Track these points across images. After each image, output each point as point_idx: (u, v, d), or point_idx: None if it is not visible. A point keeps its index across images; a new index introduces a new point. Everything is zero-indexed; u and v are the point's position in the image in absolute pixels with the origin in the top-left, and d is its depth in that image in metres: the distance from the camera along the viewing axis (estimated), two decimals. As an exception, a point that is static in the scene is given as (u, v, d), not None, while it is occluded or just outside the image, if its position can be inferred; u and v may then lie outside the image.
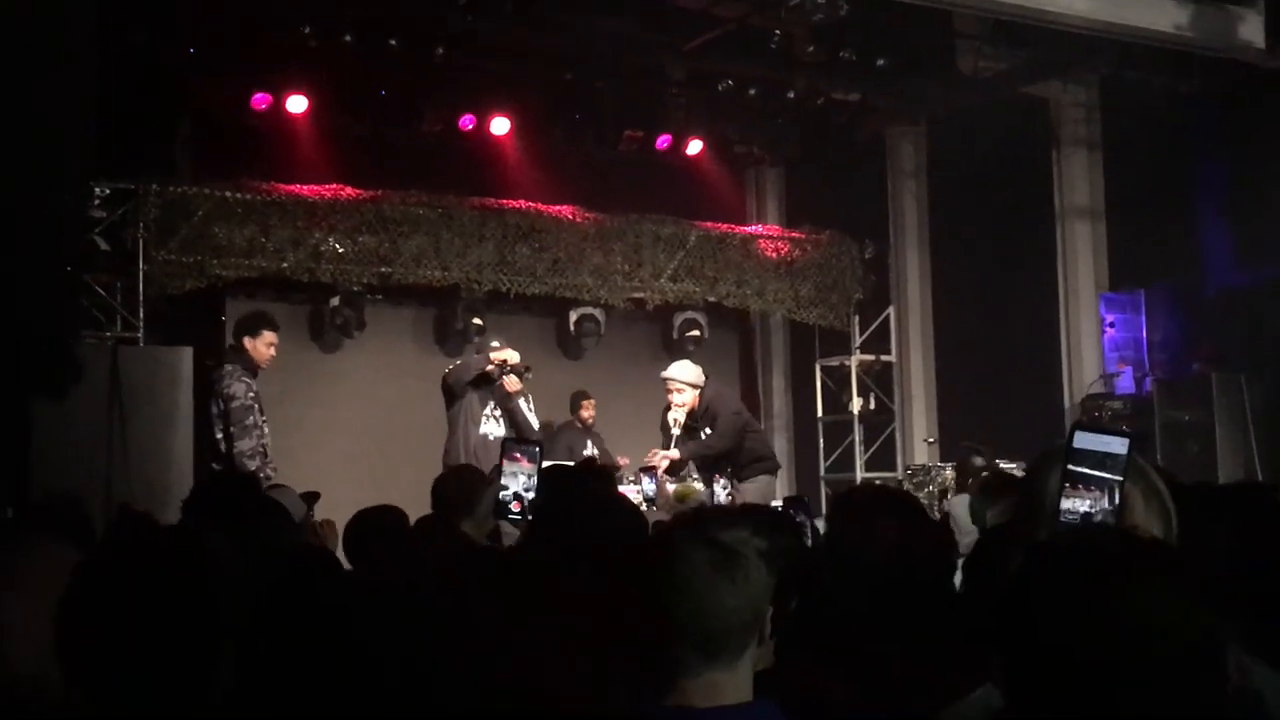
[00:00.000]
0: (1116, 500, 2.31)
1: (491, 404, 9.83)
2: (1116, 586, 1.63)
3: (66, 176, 6.03)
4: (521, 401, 10.05)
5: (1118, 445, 2.36)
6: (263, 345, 9.33)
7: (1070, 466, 2.33)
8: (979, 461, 9.19)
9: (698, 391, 9.73)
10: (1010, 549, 2.26)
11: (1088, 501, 2.32)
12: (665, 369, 10.10)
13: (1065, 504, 2.32)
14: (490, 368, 9.83)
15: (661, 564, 2.27)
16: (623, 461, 11.32)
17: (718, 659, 2.25)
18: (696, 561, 2.25)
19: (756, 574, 2.28)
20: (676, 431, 9.66)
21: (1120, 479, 2.32)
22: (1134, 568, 1.66)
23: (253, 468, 8.79)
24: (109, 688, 2.05)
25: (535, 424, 10.16)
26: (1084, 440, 2.36)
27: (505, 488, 4.02)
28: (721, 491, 7.98)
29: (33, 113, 5.55)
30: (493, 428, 9.72)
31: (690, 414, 9.69)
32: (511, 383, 9.94)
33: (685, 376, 9.79)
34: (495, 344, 10.03)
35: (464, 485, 5.33)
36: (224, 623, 2.13)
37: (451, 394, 9.75)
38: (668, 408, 9.92)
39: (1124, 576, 1.65)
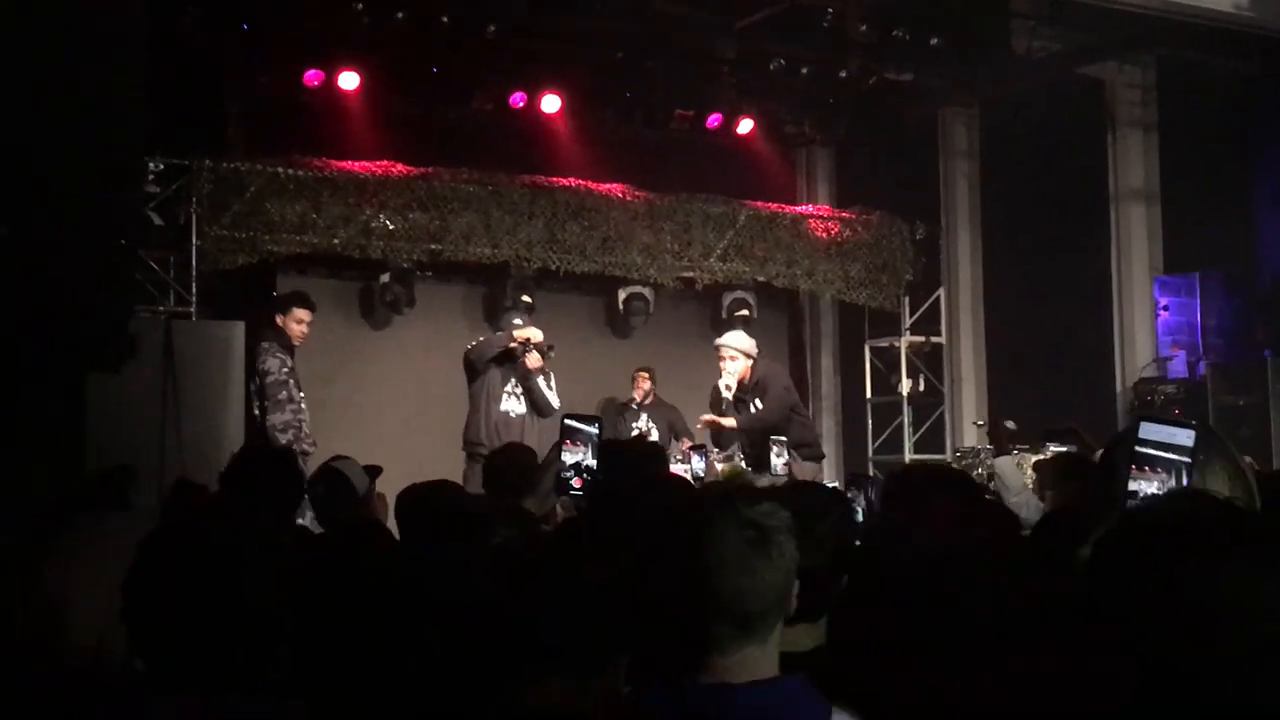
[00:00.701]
0: (1185, 482, 2.29)
1: (512, 381, 9.87)
2: (1207, 559, 1.59)
3: (121, 152, 6.06)
4: (541, 380, 10.08)
5: (1183, 437, 2.34)
6: (294, 323, 9.51)
7: (1137, 448, 2.32)
8: (1010, 425, 9.16)
9: (750, 362, 9.69)
10: (1078, 530, 2.24)
11: (1154, 484, 2.30)
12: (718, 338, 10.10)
13: (1131, 485, 2.31)
14: (513, 345, 9.87)
15: (698, 543, 2.28)
16: (683, 443, 11.26)
17: (754, 635, 2.27)
18: (734, 541, 2.26)
19: (788, 549, 2.30)
20: (728, 397, 9.63)
21: (1188, 460, 2.31)
22: (1226, 539, 1.62)
23: (284, 441, 8.90)
24: (172, 658, 2.07)
25: (555, 403, 10.15)
26: (1149, 432, 2.35)
27: (566, 464, 4.03)
28: (779, 460, 7.86)
29: (87, 88, 5.59)
30: (513, 405, 9.78)
31: (740, 384, 9.65)
32: (533, 360, 9.97)
33: (739, 344, 9.77)
34: (518, 321, 10.07)
35: (520, 464, 5.33)
36: (280, 598, 2.15)
37: (473, 370, 9.81)
38: (718, 380, 9.91)
39: (1217, 548, 1.60)
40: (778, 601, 2.29)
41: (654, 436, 11.18)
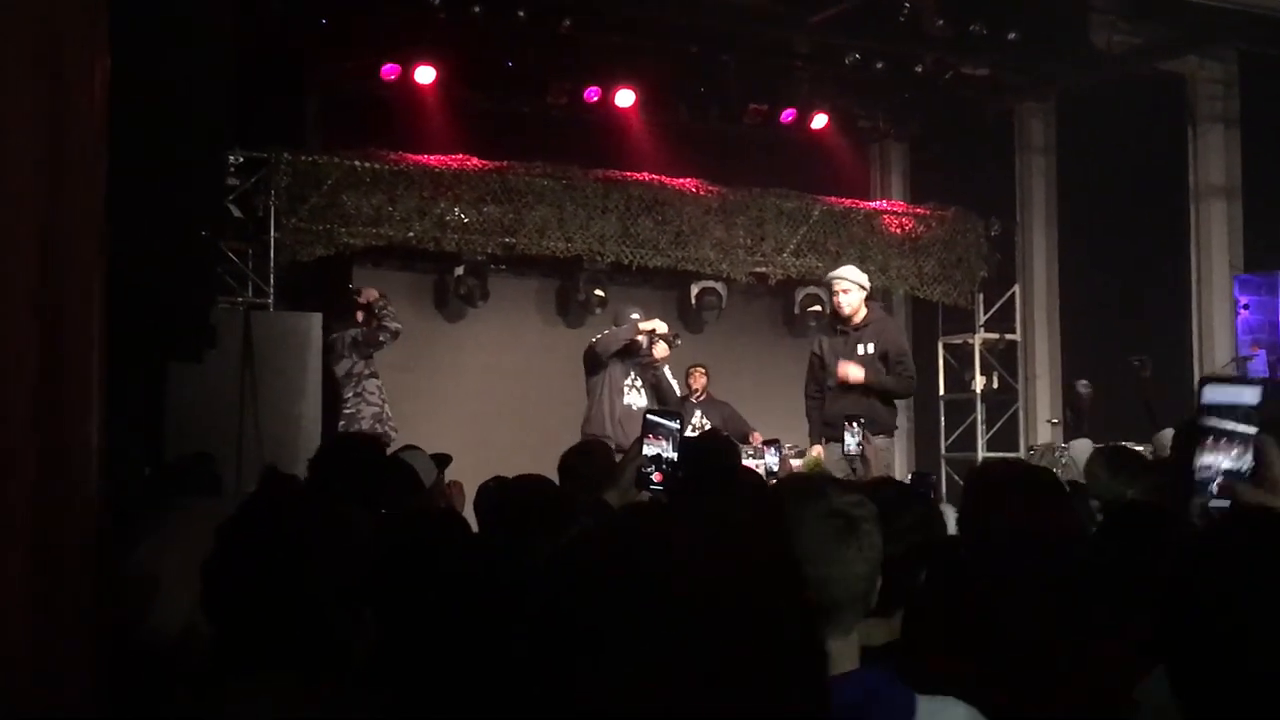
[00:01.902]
0: (1250, 457, 2.23)
1: (632, 374, 9.80)
2: None
3: (203, 144, 6.14)
4: (666, 369, 10.06)
5: (1249, 395, 2.27)
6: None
7: (1203, 422, 2.25)
8: (1084, 390, 8.94)
9: (864, 295, 9.21)
10: (1151, 527, 2.23)
11: (1225, 458, 2.24)
12: (831, 274, 9.46)
13: (1202, 460, 2.24)
14: (639, 337, 9.79)
15: (784, 530, 2.28)
16: (755, 438, 11.16)
17: (836, 626, 2.26)
18: (821, 529, 2.26)
19: (874, 540, 2.29)
20: (848, 311, 8.95)
21: (1255, 430, 2.23)
22: None
23: (367, 430, 9.03)
24: (253, 643, 2.10)
25: (678, 391, 10.20)
26: (1215, 394, 2.28)
27: (647, 458, 4.04)
28: (853, 440, 7.60)
29: (171, 80, 5.67)
30: (635, 398, 9.67)
31: (854, 322, 9.00)
32: (660, 350, 9.91)
33: (854, 276, 9.21)
34: (636, 314, 9.86)
35: (595, 461, 5.35)
36: (362, 586, 2.18)
37: (597, 364, 9.59)
38: (829, 324, 9.46)
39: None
40: (862, 593, 2.29)
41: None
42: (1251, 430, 2.24)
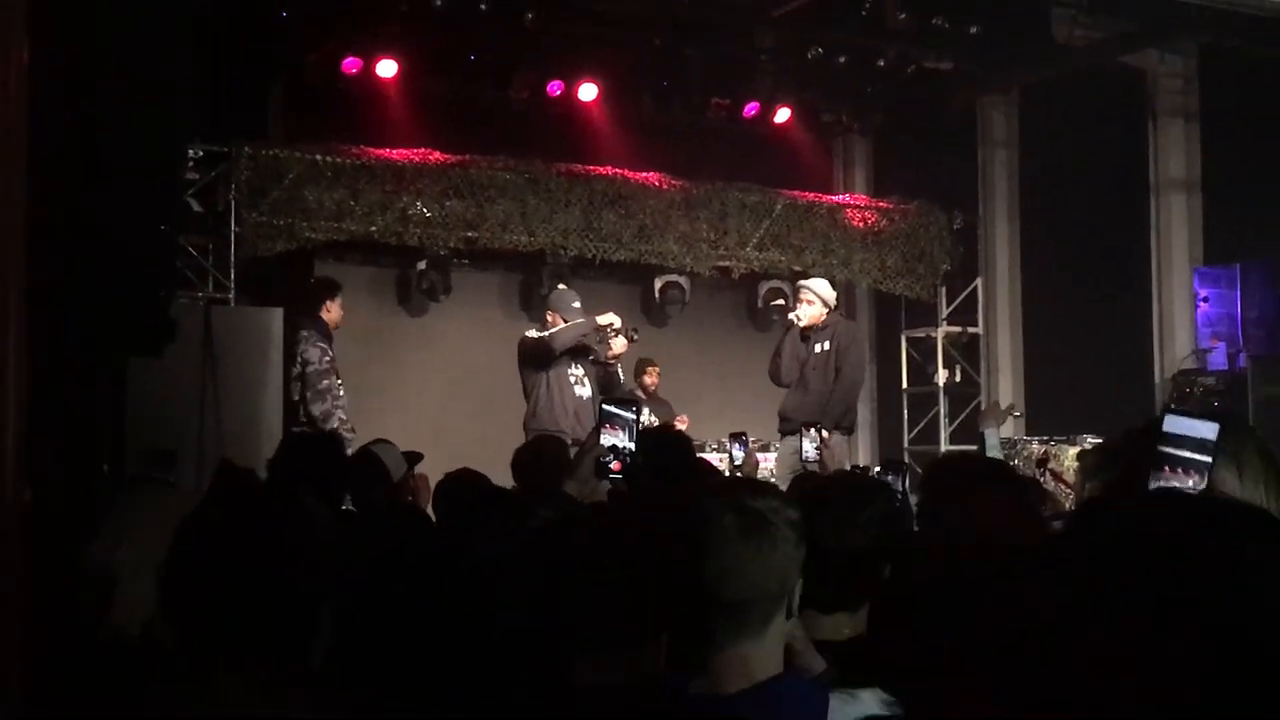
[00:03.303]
0: (1205, 485, 2.27)
1: (575, 366, 9.59)
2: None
3: (163, 138, 6.09)
4: (618, 366, 9.96)
5: (1207, 430, 2.31)
6: (338, 309, 9.55)
7: (1160, 448, 2.29)
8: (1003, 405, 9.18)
9: (825, 311, 9.60)
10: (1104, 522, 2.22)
11: (1179, 484, 2.28)
12: (805, 281, 9.93)
13: (1155, 485, 2.28)
14: (603, 330, 9.64)
15: (691, 527, 2.29)
16: (681, 421, 11.16)
17: (745, 629, 2.26)
18: (724, 525, 2.27)
19: (784, 544, 2.29)
20: (800, 322, 9.43)
21: (1210, 460, 2.28)
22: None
23: (327, 429, 8.95)
24: (211, 643, 2.08)
25: (625, 387, 10.15)
26: (1174, 425, 2.32)
27: (604, 448, 4.04)
28: (810, 447, 7.73)
29: (131, 73, 5.62)
30: (584, 390, 9.54)
31: (812, 327, 9.52)
32: (620, 345, 9.79)
33: (821, 290, 9.64)
34: (576, 304, 9.62)
35: (547, 457, 5.34)
36: (323, 582, 2.15)
37: (548, 357, 9.37)
38: (786, 326, 9.79)
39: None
40: (771, 594, 2.29)
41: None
42: (1207, 459, 2.29)
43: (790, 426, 9.31)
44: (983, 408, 13.19)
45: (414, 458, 5.13)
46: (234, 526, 2.13)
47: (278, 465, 4.20)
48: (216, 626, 2.06)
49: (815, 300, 9.56)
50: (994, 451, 6.79)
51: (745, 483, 2.48)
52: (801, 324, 9.51)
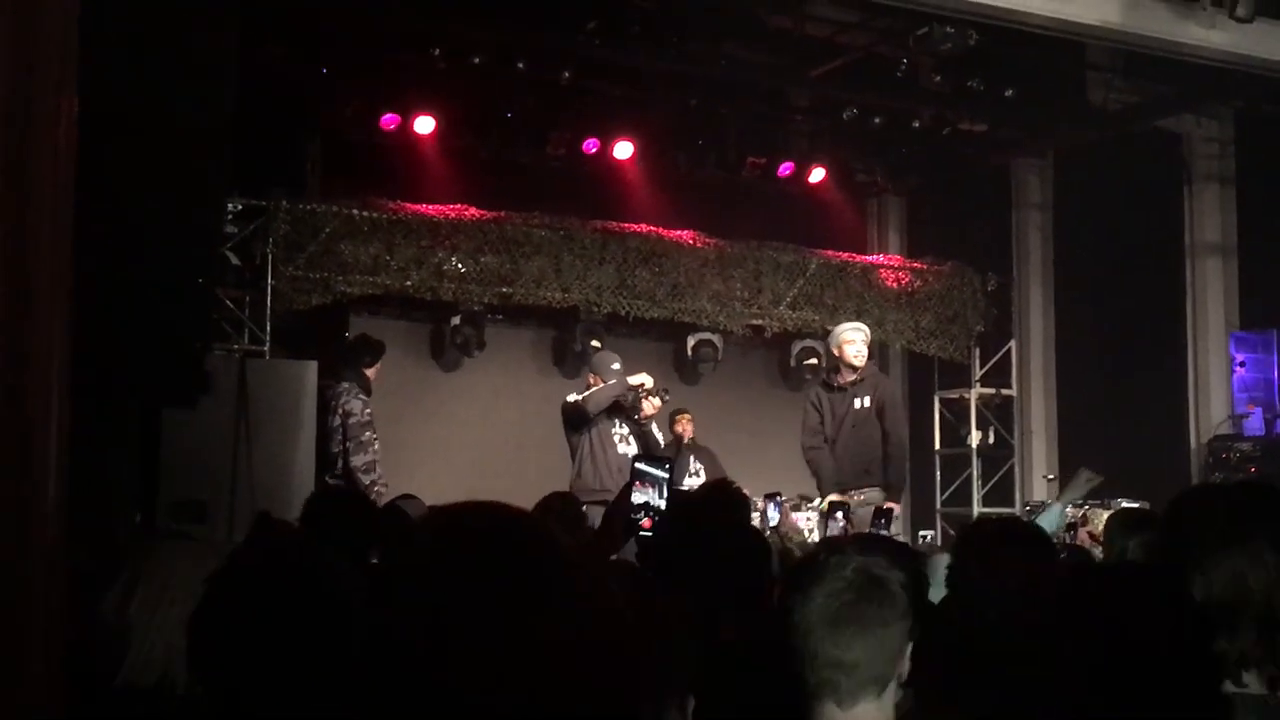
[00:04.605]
0: None
1: (618, 424, 9.65)
2: None
3: (202, 191, 6.16)
4: (653, 425, 9.97)
5: None
6: (377, 369, 9.63)
7: None
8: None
9: (867, 350, 9.48)
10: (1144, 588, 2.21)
11: None
12: (842, 327, 9.71)
13: None
14: (634, 392, 9.67)
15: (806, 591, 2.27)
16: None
17: (861, 694, 2.24)
18: (842, 591, 2.24)
19: (901, 603, 2.28)
20: (859, 362, 9.24)
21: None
22: None
23: (367, 481, 9.00)
24: (237, 699, 2.07)
25: (663, 444, 10.13)
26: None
27: (635, 505, 4.02)
28: (836, 526, 7.62)
29: (173, 127, 5.69)
30: (628, 448, 9.54)
31: (858, 373, 9.29)
32: (653, 405, 9.81)
33: (867, 331, 9.59)
34: (616, 365, 9.75)
35: (559, 513, 5.34)
36: (351, 638, 2.15)
37: (583, 418, 9.38)
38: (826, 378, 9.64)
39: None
40: (886, 661, 2.26)
41: (703, 478, 11.06)
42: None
43: (838, 489, 9.16)
44: (1017, 470, 13.15)
45: (441, 513, 5.13)
46: (265, 583, 2.13)
47: (306, 520, 4.21)
48: (243, 682, 2.05)
49: (865, 340, 9.42)
50: (1057, 521, 6.63)
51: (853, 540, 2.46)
52: (857, 363, 9.30)
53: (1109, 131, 12.01)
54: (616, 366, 9.58)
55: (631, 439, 9.56)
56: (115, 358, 5.72)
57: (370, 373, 9.58)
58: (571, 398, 9.61)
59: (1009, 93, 11.34)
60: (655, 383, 9.82)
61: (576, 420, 9.48)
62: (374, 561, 4.26)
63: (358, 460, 9.15)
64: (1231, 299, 12.23)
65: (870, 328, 12.72)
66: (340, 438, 9.22)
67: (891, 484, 9.25)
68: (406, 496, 5.14)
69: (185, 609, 2.19)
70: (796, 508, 10.31)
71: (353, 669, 2.12)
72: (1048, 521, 6.67)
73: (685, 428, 11.62)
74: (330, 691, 2.03)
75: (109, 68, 5.30)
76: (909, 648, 2.30)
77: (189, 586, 2.29)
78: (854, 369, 9.28)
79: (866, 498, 9.06)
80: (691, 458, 11.38)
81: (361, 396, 9.37)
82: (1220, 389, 12.00)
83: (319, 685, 2.04)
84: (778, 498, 8.87)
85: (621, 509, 4.12)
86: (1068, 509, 7.38)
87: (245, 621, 2.07)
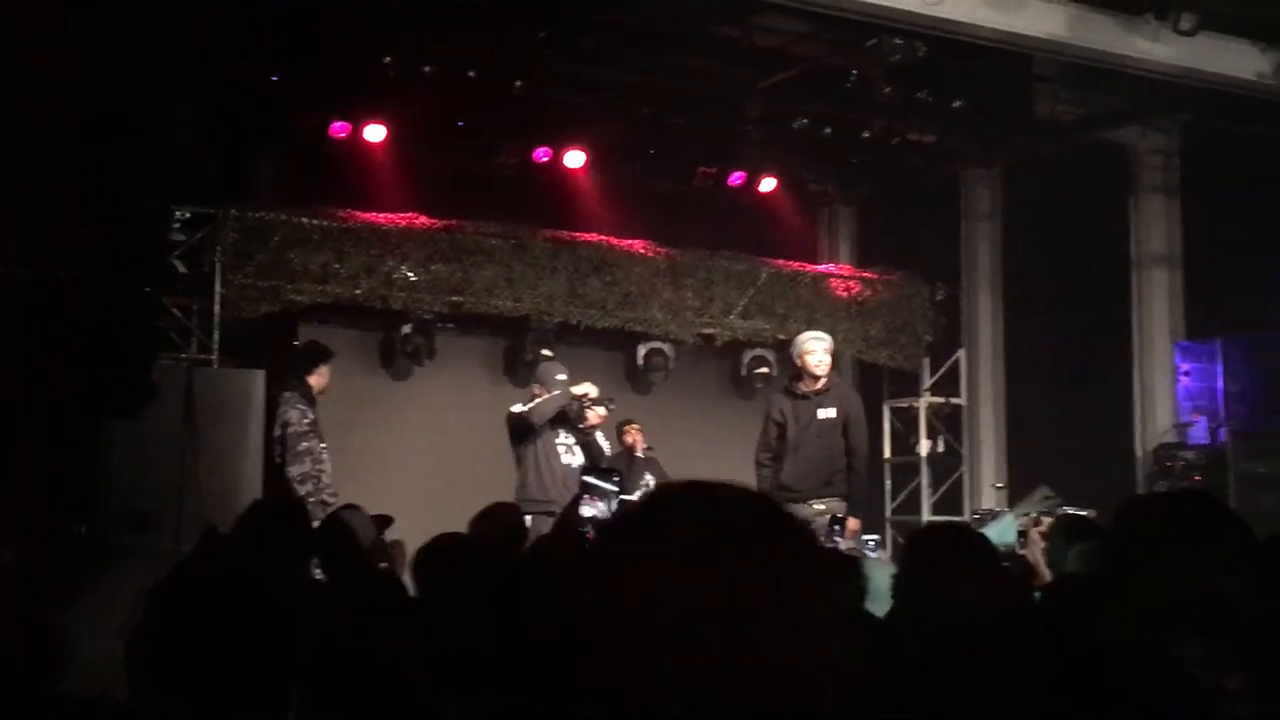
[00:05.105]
0: None
1: (562, 433, 9.65)
2: None
3: (149, 200, 6.12)
4: (598, 433, 9.98)
5: None
6: (325, 375, 9.48)
7: None
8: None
9: (830, 359, 9.44)
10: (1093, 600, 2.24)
11: None
12: (803, 336, 9.64)
13: None
14: (579, 402, 9.68)
15: None
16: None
17: None
18: None
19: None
20: (820, 371, 9.16)
21: None
22: None
23: (303, 492, 8.87)
24: (174, 711, 2.05)
25: (608, 453, 10.12)
26: None
27: (583, 519, 4.01)
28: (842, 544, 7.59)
29: (119, 137, 5.65)
30: (573, 458, 9.55)
31: (820, 384, 9.24)
32: (598, 415, 9.81)
33: (828, 339, 9.55)
34: (562, 376, 9.75)
35: (499, 525, 5.33)
36: (293, 652, 2.13)
37: (528, 429, 9.43)
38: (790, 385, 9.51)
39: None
40: None
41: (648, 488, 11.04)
42: None
43: (796, 498, 9.13)
44: (966, 478, 13.24)
45: (383, 522, 5.10)
46: (206, 594, 2.12)
47: (241, 531, 4.17)
48: (180, 695, 2.03)
49: (828, 350, 9.37)
50: (1007, 532, 6.68)
51: None
52: (820, 372, 9.28)
53: (1056, 143, 12.12)
54: (562, 377, 9.59)
55: (576, 449, 9.57)
56: (60, 367, 5.66)
57: (315, 380, 9.44)
58: (516, 408, 9.61)
59: (957, 104, 11.42)
60: (599, 392, 9.84)
61: (522, 431, 9.50)
62: (315, 573, 4.24)
63: (293, 471, 9.05)
64: (1176, 309, 12.36)
65: (820, 337, 12.84)
66: (280, 450, 9.14)
67: (854, 498, 9.27)
68: (349, 507, 5.11)
69: (127, 619, 2.16)
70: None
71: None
72: (996, 532, 6.73)
73: (635, 438, 11.61)
74: (271, 701, 2.02)
75: (55, 79, 5.26)
76: None
77: (132, 598, 2.27)
78: (816, 378, 9.29)
79: (826, 507, 9.07)
80: (644, 470, 11.39)
81: (300, 406, 9.25)
82: (1165, 398, 12.12)
83: (259, 695, 2.02)
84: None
85: (570, 523, 4.11)
86: (1017, 521, 7.44)
87: (185, 632, 2.05)
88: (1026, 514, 7.62)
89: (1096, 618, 2.48)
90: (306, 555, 4.08)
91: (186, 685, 2.02)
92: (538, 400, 9.47)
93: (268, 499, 8.42)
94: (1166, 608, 2.35)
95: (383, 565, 5.00)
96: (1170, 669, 2.16)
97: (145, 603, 2.14)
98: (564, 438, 9.56)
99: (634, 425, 11.65)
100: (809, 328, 12.62)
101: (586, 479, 4.17)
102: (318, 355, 9.63)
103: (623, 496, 4.67)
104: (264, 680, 2.04)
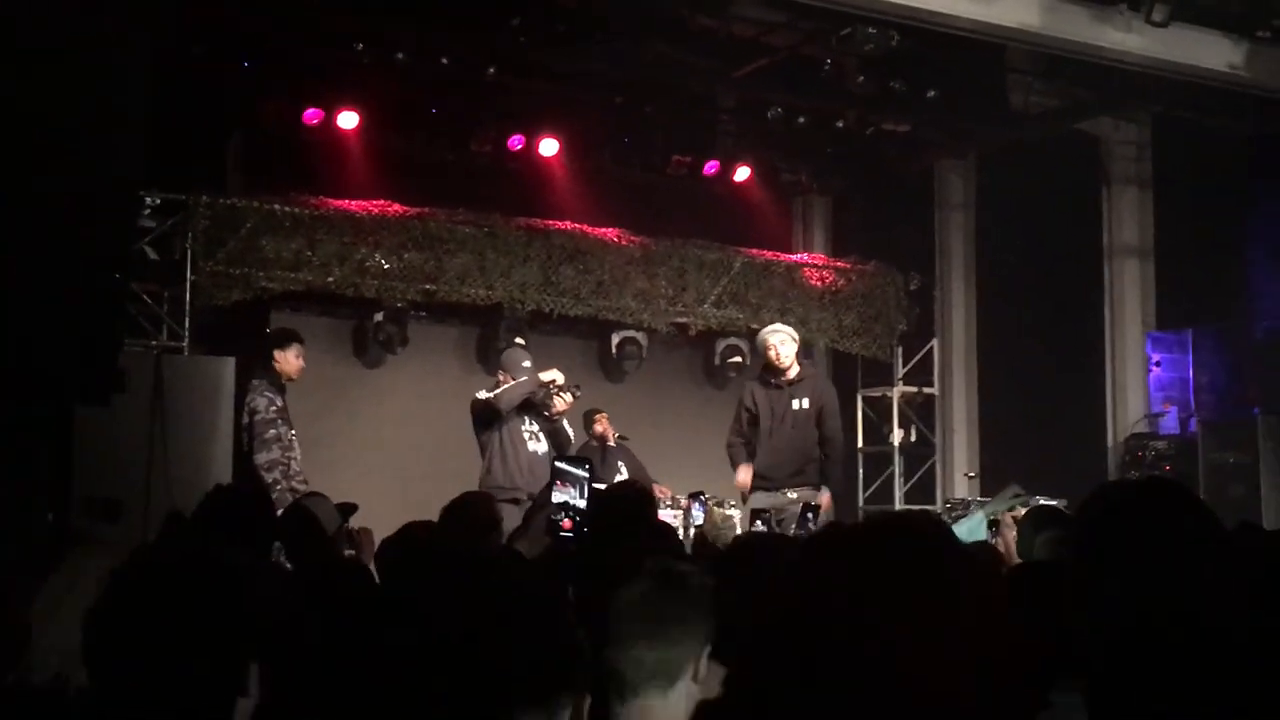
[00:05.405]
0: None
1: (527, 420, 9.62)
2: None
3: (118, 185, 6.07)
4: (564, 420, 9.96)
5: None
6: (293, 358, 9.35)
7: None
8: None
9: (796, 348, 9.47)
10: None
11: None
12: (764, 331, 9.73)
13: None
14: (545, 389, 9.65)
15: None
16: (663, 491, 11.17)
17: (648, 685, 2.27)
18: (639, 589, 2.29)
19: (693, 611, 2.32)
20: (785, 362, 9.25)
21: None
22: None
23: (270, 480, 8.81)
24: (131, 697, 2.03)
25: (573, 440, 10.11)
26: None
27: (555, 505, 4.03)
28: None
29: (86, 120, 5.60)
30: (538, 445, 9.54)
31: (789, 373, 9.33)
32: (564, 402, 9.78)
33: (790, 331, 9.58)
34: (527, 364, 9.66)
35: (474, 513, 5.33)
36: (250, 639, 2.12)
37: (494, 416, 9.43)
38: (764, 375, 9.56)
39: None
40: (680, 658, 2.31)
41: (623, 476, 11.07)
42: None
43: (769, 486, 9.25)
44: (938, 467, 13.28)
45: (348, 509, 5.08)
46: (158, 580, 2.10)
47: (201, 518, 4.15)
48: (137, 680, 2.01)
49: (787, 339, 9.41)
50: (977, 530, 6.73)
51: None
52: (787, 366, 9.35)
53: (1030, 134, 12.15)
54: (527, 364, 9.57)
55: (542, 436, 9.56)
56: (27, 354, 5.62)
57: (281, 363, 9.33)
58: (481, 395, 9.58)
59: (931, 94, 11.43)
60: (566, 379, 9.82)
61: (487, 417, 9.47)
62: (279, 560, 4.22)
63: (261, 458, 8.99)
64: (1148, 300, 12.41)
65: (794, 326, 12.75)
66: (247, 436, 9.09)
67: (829, 487, 9.34)
68: (313, 494, 5.09)
69: (86, 606, 2.14)
70: (720, 505, 10.34)
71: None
72: (965, 530, 6.75)
73: (605, 427, 11.61)
74: (222, 688, 2.00)
75: (21, 60, 5.22)
76: (707, 649, 2.35)
77: (93, 585, 2.25)
78: (782, 369, 9.35)
79: (799, 496, 9.15)
80: (617, 458, 11.39)
81: (268, 393, 9.18)
82: (1137, 388, 12.17)
83: (212, 679, 2.01)
84: (701, 496, 8.92)
85: (543, 509, 4.12)
86: (986, 519, 7.48)
87: (142, 619, 2.04)
88: (995, 512, 7.68)
89: (1060, 603, 2.48)
90: (267, 541, 4.07)
91: (141, 668, 2.01)
92: (504, 386, 9.45)
93: (227, 485, 8.37)
94: (1131, 594, 2.35)
95: (349, 552, 4.99)
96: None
97: (105, 587, 2.12)
98: (530, 425, 9.54)
99: (602, 414, 11.64)
100: (782, 317, 12.68)
101: (558, 465, 4.19)
102: (281, 338, 9.54)
103: (594, 484, 4.68)
104: (217, 665, 2.02)
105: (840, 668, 1.33)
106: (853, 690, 1.33)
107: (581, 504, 4.19)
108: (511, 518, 8.53)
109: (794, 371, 9.38)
